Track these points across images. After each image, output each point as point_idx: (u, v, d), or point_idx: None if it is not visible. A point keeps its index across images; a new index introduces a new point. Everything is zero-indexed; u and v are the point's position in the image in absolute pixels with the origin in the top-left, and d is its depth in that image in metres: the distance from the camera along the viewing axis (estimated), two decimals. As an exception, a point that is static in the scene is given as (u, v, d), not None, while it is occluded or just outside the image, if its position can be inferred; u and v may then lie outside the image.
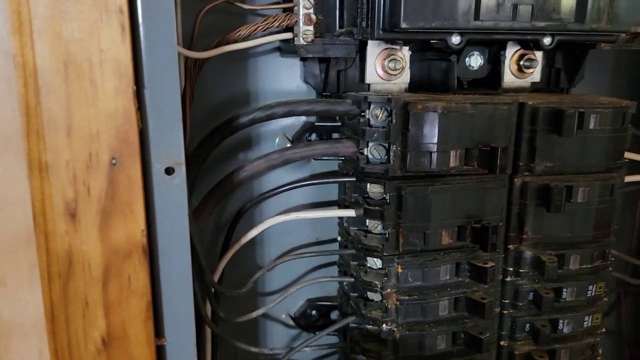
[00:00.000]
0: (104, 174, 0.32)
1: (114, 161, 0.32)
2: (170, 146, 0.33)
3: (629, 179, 0.50)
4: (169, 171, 0.33)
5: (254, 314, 0.47)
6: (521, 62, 0.50)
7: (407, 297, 0.43)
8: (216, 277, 0.46)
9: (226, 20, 0.46)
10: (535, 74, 0.51)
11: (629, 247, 0.63)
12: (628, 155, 0.47)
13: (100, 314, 0.33)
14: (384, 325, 0.44)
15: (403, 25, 0.39)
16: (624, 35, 0.47)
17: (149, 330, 0.34)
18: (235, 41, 0.42)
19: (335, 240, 0.54)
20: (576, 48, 0.50)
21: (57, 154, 0.31)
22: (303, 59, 0.49)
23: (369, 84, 0.48)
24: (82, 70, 0.30)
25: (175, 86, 0.32)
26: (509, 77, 0.50)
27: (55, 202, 0.31)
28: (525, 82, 0.51)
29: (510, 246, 0.45)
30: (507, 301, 0.46)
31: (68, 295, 0.33)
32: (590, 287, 0.47)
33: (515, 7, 0.41)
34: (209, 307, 0.44)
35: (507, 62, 0.49)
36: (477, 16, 0.40)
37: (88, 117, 0.31)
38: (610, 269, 0.48)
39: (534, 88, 0.52)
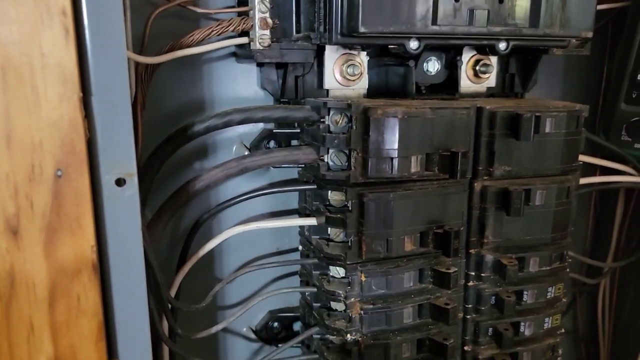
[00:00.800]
0: (49, 186, 0.30)
1: (59, 173, 0.30)
2: (121, 156, 0.31)
3: (582, 181, 0.51)
4: (120, 182, 0.31)
5: (214, 329, 0.45)
6: (477, 68, 0.50)
7: (371, 306, 0.43)
8: (173, 292, 0.44)
9: (179, 24, 0.44)
10: (491, 79, 0.52)
11: (583, 248, 0.64)
12: (581, 157, 0.48)
13: (46, 337, 0.31)
14: (348, 335, 0.43)
15: (361, 29, 0.38)
16: (574, 40, 0.48)
17: (100, 352, 0.32)
18: (189, 46, 0.41)
19: (296, 249, 0.53)
20: (529, 53, 0.51)
21: (-4, 167, 0.28)
22: (260, 65, 0.48)
23: (327, 90, 0.47)
24: (22, 76, 0.28)
25: (124, 93, 0.31)
26: (466, 82, 0.51)
27: (-6, 218, 0.29)
28: (481, 87, 0.52)
29: (472, 251, 0.45)
30: (469, 306, 0.46)
31: (10, 318, 0.30)
32: (549, 289, 0.48)
33: (471, 12, 0.41)
34: (165, 324, 0.42)
35: (463, 67, 0.49)
36: (434, 21, 0.40)
37: (30, 125, 0.29)
38: (568, 270, 0.49)
39: (490, 93, 0.53)
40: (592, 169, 0.57)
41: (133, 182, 0.32)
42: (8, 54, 0.28)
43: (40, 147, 0.29)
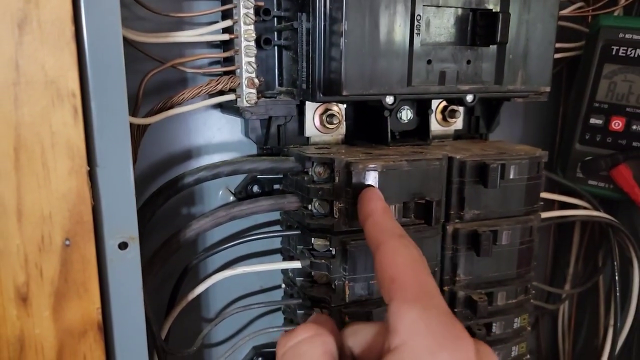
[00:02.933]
0: (57, 255, 0.31)
1: (67, 242, 0.31)
2: (124, 221, 0.33)
3: (542, 215, 0.55)
4: (123, 246, 0.33)
5: (204, 371, 0.47)
6: (445, 113, 0.54)
7: (354, 345, 0.45)
8: (162, 336, 0.46)
9: (169, 81, 0.46)
10: (458, 123, 0.56)
11: (543, 276, 0.69)
12: (542, 194, 0.52)
13: (54, 397, 0.33)
14: (333, 373, 0.45)
15: (344, 93, 0.41)
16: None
17: (105, 407, 0.34)
18: (179, 104, 0.43)
19: (279, 287, 0.55)
20: (493, 100, 0.55)
21: (7, 240, 0.30)
22: (244, 116, 0.50)
23: (308, 137, 0.50)
24: (33, 154, 0.30)
25: (127, 162, 0.33)
26: (436, 126, 0.55)
27: (5, 287, 0.31)
28: (450, 130, 0.56)
29: (445, 288, 0.49)
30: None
31: (19, 381, 0.32)
32: (515, 320, 0.51)
33: (442, 73, 0.44)
34: (158, 370, 0.44)
35: (433, 114, 0.53)
36: (409, 82, 0.43)
37: (40, 200, 0.30)
38: (532, 300, 0.53)
39: (457, 134, 0.57)
40: (550, 204, 0.61)
41: (135, 245, 0.34)
42: (20, 135, 0.29)
43: (50, 219, 0.31)
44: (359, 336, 0.32)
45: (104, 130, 0.31)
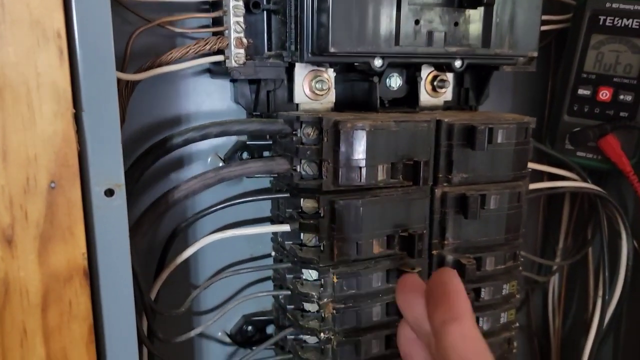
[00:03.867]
0: (42, 198, 0.31)
1: (52, 185, 0.32)
2: (110, 168, 0.33)
3: (531, 186, 0.55)
4: (109, 193, 0.33)
5: (192, 333, 0.47)
6: (435, 83, 0.54)
7: (342, 306, 0.45)
8: (152, 299, 0.46)
9: (157, 42, 0.46)
10: (448, 94, 0.56)
11: (534, 249, 0.69)
12: (530, 165, 0.52)
13: (39, 341, 0.33)
14: (321, 334, 0.46)
15: (331, 49, 0.41)
16: (522, 58, 0.53)
17: (91, 355, 0.34)
18: (168, 63, 0.43)
19: (269, 255, 0.55)
20: (482, 70, 0.56)
21: (-8, 180, 0.30)
22: (233, 81, 0.50)
23: (297, 104, 0.50)
24: (18, 95, 0.30)
25: (114, 109, 0.33)
26: (425, 97, 0.55)
27: (-10, 228, 0.31)
28: (439, 101, 0.56)
29: (434, 252, 0.49)
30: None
31: (4, 324, 0.32)
32: (504, 286, 0.52)
33: (430, 34, 0.45)
34: (146, 329, 0.44)
35: (422, 82, 0.53)
36: (397, 42, 0.44)
37: (25, 141, 0.31)
38: (520, 268, 0.53)
39: (447, 106, 0.57)
40: (540, 176, 0.61)
41: (121, 193, 0.34)
42: (5, 74, 0.29)
43: (35, 161, 0.31)
44: None
45: (89, 74, 0.32)
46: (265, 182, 0.53)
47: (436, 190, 0.48)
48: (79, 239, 0.33)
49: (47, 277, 0.32)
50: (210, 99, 0.51)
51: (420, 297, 0.30)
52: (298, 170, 0.45)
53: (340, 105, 0.52)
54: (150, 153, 0.44)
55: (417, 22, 0.44)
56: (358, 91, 0.53)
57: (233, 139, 0.52)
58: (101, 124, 0.33)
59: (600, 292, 0.61)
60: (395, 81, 0.52)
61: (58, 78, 0.31)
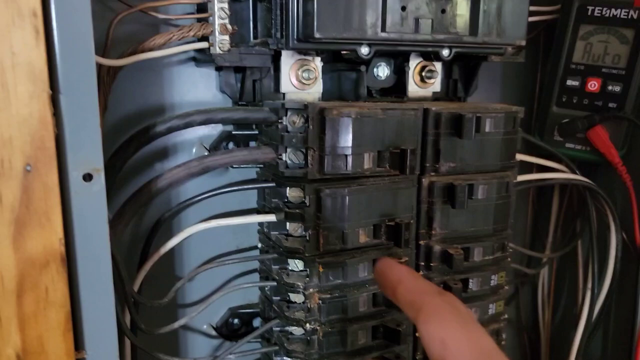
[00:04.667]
0: (18, 181, 0.31)
1: (28, 168, 0.31)
2: (88, 152, 0.33)
3: (520, 178, 0.55)
4: (87, 177, 0.33)
5: (176, 324, 0.46)
6: (423, 73, 0.54)
7: (328, 296, 0.45)
8: (135, 290, 0.45)
9: (139, 30, 0.45)
10: (436, 84, 0.55)
11: (523, 241, 0.69)
12: (519, 156, 0.52)
13: (14, 329, 0.32)
14: (307, 325, 0.45)
15: (316, 35, 0.41)
16: (510, 48, 0.52)
17: (68, 343, 0.33)
18: (151, 49, 0.42)
19: (255, 247, 0.54)
20: (470, 60, 0.55)
21: (-35, 162, 0.29)
22: (218, 69, 0.50)
23: (284, 93, 0.50)
24: (-8, 74, 0.29)
25: (92, 91, 0.32)
26: (413, 87, 0.54)
27: (-37, 212, 0.30)
28: (427, 92, 0.55)
29: (421, 242, 0.48)
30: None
31: (-22, 311, 0.31)
32: (493, 277, 0.51)
33: (417, 21, 0.44)
34: (128, 320, 0.43)
35: (410, 72, 0.53)
36: (383, 28, 0.43)
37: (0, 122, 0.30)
38: (509, 259, 0.53)
39: (435, 97, 0.56)
40: (529, 167, 0.61)
41: (100, 178, 0.33)
42: (-22, 53, 0.29)
43: (10, 143, 0.30)
44: None
45: (67, 54, 0.31)
46: (251, 173, 0.53)
47: (423, 179, 0.47)
48: (56, 224, 0.32)
49: (23, 263, 0.31)
50: (195, 88, 0.50)
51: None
52: (283, 158, 0.45)
53: (328, 95, 0.52)
54: (133, 141, 0.43)
55: (403, 8, 0.44)
56: (345, 81, 0.53)
57: (218, 129, 0.51)
58: (79, 106, 0.32)
59: (590, 285, 0.61)
60: (382, 71, 0.52)
61: (34, 58, 0.30)
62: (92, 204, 0.33)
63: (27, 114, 0.30)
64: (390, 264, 0.36)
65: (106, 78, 0.41)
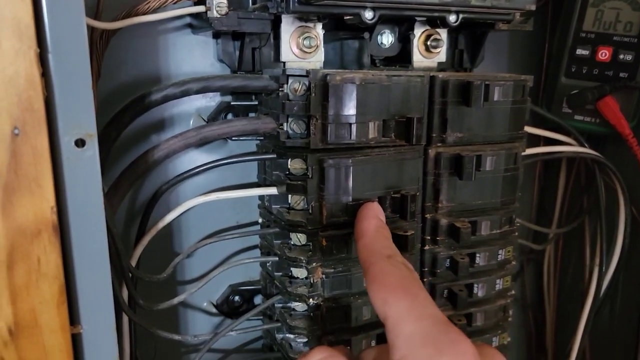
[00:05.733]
0: (5, 145, 0.29)
1: (16, 131, 0.29)
2: (80, 116, 0.31)
3: (527, 151, 0.53)
4: (80, 143, 0.31)
5: (175, 300, 0.45)
6: (428, 42, 0.52)
7: (332, 270, 0.43)
8: (132, 265, 0.44)
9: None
10: (441, 55, 0.53)
11: (529, 217, 0.68)
12: (527, 129, 0.50)
13: (5, 301, 0.30)
14: (310, 300, 0.44)
15: (318, -5, 0.39)
16: (518, 15, 0.50)
17: (62, 316, 0.32)
18: (145, 13, 0.41)
19: (255, 223, 0.53)
20: (477, 28, 0.53)
21: (-52, 124, 0.28)
22: (216, 37, 0.48)
23: (284, 62, 0.48)
24: (-25, 29, 0.27)
25: (83, 51, 0.30)
26: (418, 57, 0.52)
27: (-53, 178, 0.28)
28: (432, 62, 0.54)
29: (427, 215, 0.47)
30: (426, 269, 0.48)
31: (-34, 282, 0.29)
32: (500, 252, 0.50)
33: (423, -18, 0.42)
34: (125, 295, 0.42)
35: (415, 41, 0.51)
36: (388, -10, 0.41)
37: (-16, 81, 0.28)
38: (516, 233, 0.51)
39: (440, 68, 0.55)
40: (536, 140, 0.60)
41: (93, 143, 0.31)
42: (-40, 5, 0.27)
43: (-4, 104, 0.28)
44: (369, 356, 0.34)
45: (55, 10, 0.29)
46: (251, 146, 0.51)
47: (430, 150, 0.46)
48: (47, 192, 0.30)
49: (13, 232, 0.30)
50: (191, 56, 0.48)
51: None
52: (285, 128, 0.43)
53: (329, 65, 0.50)
54: (128, 110, 0.41)
55: (409, -31, 0.42)
56: (348, 50, 0.51)
57: (216, 100, 0.49)
58: (69, 67, 0.30)
59: (597, 261, 0.60)
60: (387, 38, 0.50)
61: (19, 12, 0.28)
62: (85, 172, 0.31)
63: (13, 72, 0.28)
64: (367, 213, 0.39)
65: (99, 43, 0.39)
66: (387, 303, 0.30)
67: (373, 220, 0.38)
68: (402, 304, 0.30)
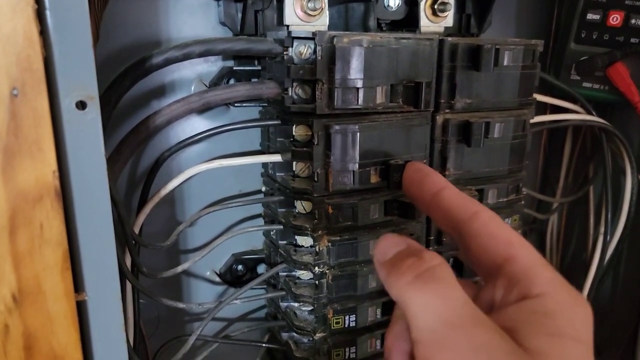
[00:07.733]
0: (4, 106, 0.28)
1: (15, 92, 0.28)
2: (81, 77, 0.30)
3: (534, 119, 0.52)
4: (81, 105, 0.30)
5: (179, 269, 0.44)
6: (436, 6, 0.50)
7: (338, 238, 0.43)
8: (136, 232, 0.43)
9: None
10: (449, 19, 0.52)
11: (533, 186, 0.67)
12: (535, 96, 0.49)
13: (8, 268, 0.30)
14: (316, 269, 0.43)
15: (326, -47, 0.37)
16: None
17: (67, 282, 0.31)
18: (145, -28, 0.39)
19: (259, 191, 0.52)
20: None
21: (-56, 83, 0.26)
22: (218, -1, 0.46)
23: (287, 26, 0.46)
24: (-32, -17, 0.26)
25: (83, 6, 0.29)
26: (425, 21, 0.51)
27: (-55, 140, 0.27)
28: (439, 26, 0.52)
29: (435, 183, 0.46)
30: (432, 237, 0.47)
31: (-32, 248, 0.29)
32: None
33: (434, -60, 0.41)
34: (129, 262, 0.41)
35: (423, 4, 0.49)
36: (398, -52, 0.40)
37: (-20, 39, 0.27)
38: (522, 202, 0.51)
39: (447, 33, 0.53)
40: (542, 108, 0.59)
41: (95, 105, 0.30)
42: (-48, -43, 0.25)
43: (-7, 63, 0.27)
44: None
45: (52, -37, 0.27)
46: (254, 114, 0.50)
47: (438, 116, 0.45)
48: (48, 155, 0.29)
49: (14, 197, 0.29)
50: (192, 19, 0.47)
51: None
52: (290, 93, 0.42)
53: (334, 29, 0.48)
54: (128, 74, 0.40)
55: None
56: (353, 14, 0.49)
57: (219, 64, 0.48)
58: (69, 25, 0.29)
59: (602, 230, 0.59)
60: (394, 0, 0.48)
61: (15, -34, 0.27)
62: (87, 134, 0.30)
63: (11, 30, 0.27)
64: (429, 169, 0.34)
65: (97, 4, 0.38)
66: (515, 245, 0.28)
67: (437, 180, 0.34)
68: (532, 250, 0.28)
